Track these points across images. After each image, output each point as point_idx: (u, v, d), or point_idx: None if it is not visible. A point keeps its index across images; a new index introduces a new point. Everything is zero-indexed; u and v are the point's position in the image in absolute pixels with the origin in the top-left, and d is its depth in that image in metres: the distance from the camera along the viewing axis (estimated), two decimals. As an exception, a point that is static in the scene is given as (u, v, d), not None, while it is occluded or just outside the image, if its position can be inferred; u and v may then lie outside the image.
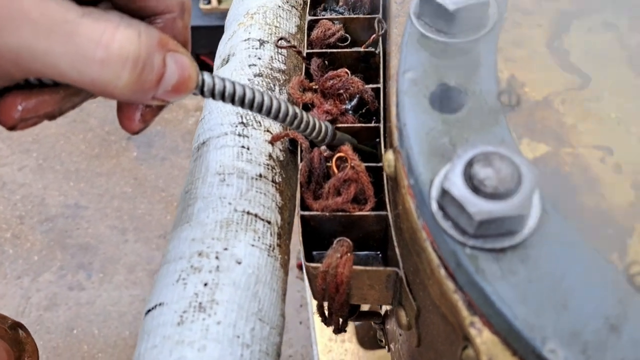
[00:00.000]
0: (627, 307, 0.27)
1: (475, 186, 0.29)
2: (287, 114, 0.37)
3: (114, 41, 0.27)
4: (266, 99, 0.36)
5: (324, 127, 0.41)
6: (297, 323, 1.79)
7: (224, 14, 1.90)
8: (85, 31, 0.27)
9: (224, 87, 0.34)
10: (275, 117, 0.37)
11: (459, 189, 0.29)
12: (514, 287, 0.28)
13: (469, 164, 0.29)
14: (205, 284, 0.40)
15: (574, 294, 0.28)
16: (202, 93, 0.33)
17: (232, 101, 0.34)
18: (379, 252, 0.48)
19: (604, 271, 0.28)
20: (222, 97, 0.34)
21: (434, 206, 0.31)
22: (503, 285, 0.29)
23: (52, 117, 0.32)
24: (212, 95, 0.33)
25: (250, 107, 0.35)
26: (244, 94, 0.34)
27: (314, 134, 0.41)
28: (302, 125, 0.39)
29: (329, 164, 0.47)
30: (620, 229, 0.29)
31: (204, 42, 1.98)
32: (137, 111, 0.34)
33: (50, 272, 2.01)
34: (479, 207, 0.28)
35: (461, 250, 0.30)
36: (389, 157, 0.38)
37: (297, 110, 0.38)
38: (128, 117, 0.34)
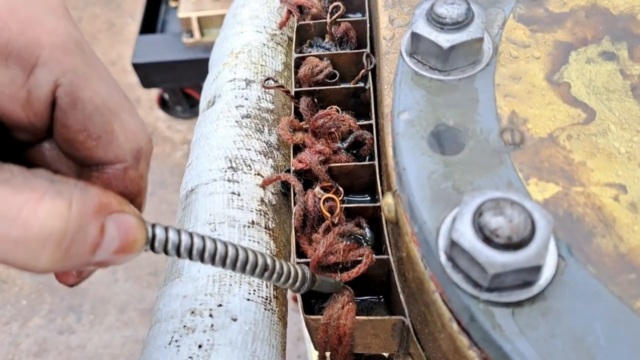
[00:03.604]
0: (659, 362, 0.25)
1: (486, 236, 0.27)
2: (255, 266, 0.32)
3: (35, 217, 0.22)
4: (230, 250, 0.31)
5: (300, 275, 0.36)
6: (295, 357, 1.74)
7: (207, 47, 1.89)
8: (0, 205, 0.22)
9: (179, 240, 0.29)
10: (243, 270, 0.32)
11: (469, 240, 0.27)
12: (535, 343, 0.26)
13: (478, 213, 0.27)
14: (200, 346, 0.37)
15: (600, 349, 0.26)
16: (152, 249, 0.28)
17: (190, 256, 0.29)
18: (380, 297, 0.46)
19: (630, 321, 0.26)
20: (177, 253, 0.29)
21: (443, 257, 0.29)
22: (523, 342, 0.26)
23: None
24: (165, 251, 0.28)
25: (212, 261, 0.30)
26: (204, 248, 0.29)
27: (289, 283, 0.35)
28: (274, 277, 0.34)
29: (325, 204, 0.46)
30: (643, 273, 0.28)
31: (188, 76, 1.97)
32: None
33: (40, 316, 1.96)
34: (492, 259, 0.26)
35: (475, 305, 0.28)
36: (388, 201, 0.36)
37: (269, 261, 0.33)
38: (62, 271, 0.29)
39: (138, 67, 1.92)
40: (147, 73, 1.95)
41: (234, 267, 0.31)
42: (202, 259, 0.30)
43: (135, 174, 0.29)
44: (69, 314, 1.96)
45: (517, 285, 0.27)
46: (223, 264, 0.31)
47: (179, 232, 0.29)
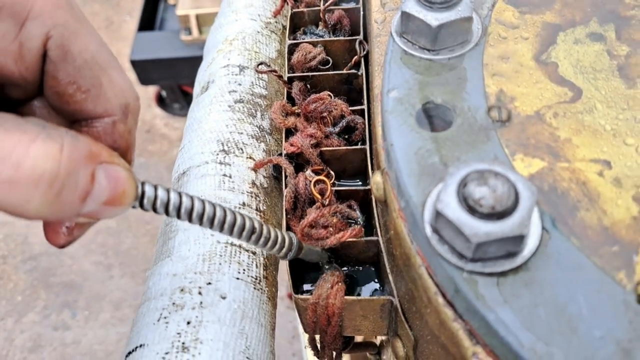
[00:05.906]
0: (639, 330, 0.25)
1: (470, 206, 0.27)
2: (242, 229, 0.32)
3: (27, 158, 0.23)
4: (218, 211, 0.31)
5: (287, 242, 0.36)
6: (290, 355, 1.74)
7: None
8: None
9: (168, 199, 0.29)
10: (230, 232, 0.32)
11: (454, 210, 0.27)
12: (518, 312, 0.27)
13: (463, 184, 0.28)
14: (188, 322, 0.37)
15: (582, 318, 0.26)
16: (141, 206, 0.29)
17: (178, 215, 0.30)
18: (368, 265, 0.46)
19: (612, 292, 0.27)
20: (166, 210, 0.29)
21: (428, 230, 0.29)
22: (506, 311, 0.27)
23: None
24: (154, 208, 0.29)
25: (200, 221, 0.30)
26: (192, 206, 0.30)
27: (275, 249, 0.36)
28: (261, 240, 0.34)
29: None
30: (626, 246, 0.28)
31: (186, 73, 1.97)
32: (62, 225, 0.29)
33: (34, 312, 1.96)
34: (475, 228, 0.26)
35: (459, 276, 0.28)
36: (377, 179, 0.36)
37: (256, 224, 0.33)
38: (52, 229, 0.30)
39: (136, 65, 1.93)
40: (145, 70, 1.96)
41: (221, 229, 0.32)
42: (190, 219, 0.30)
43: (124, 129, 0.30)
44: (63, 310, 1.95)
45: (500, 255, 0.28)
46: (211, 224, 0.31)
47: (168, 190, 0.29)
